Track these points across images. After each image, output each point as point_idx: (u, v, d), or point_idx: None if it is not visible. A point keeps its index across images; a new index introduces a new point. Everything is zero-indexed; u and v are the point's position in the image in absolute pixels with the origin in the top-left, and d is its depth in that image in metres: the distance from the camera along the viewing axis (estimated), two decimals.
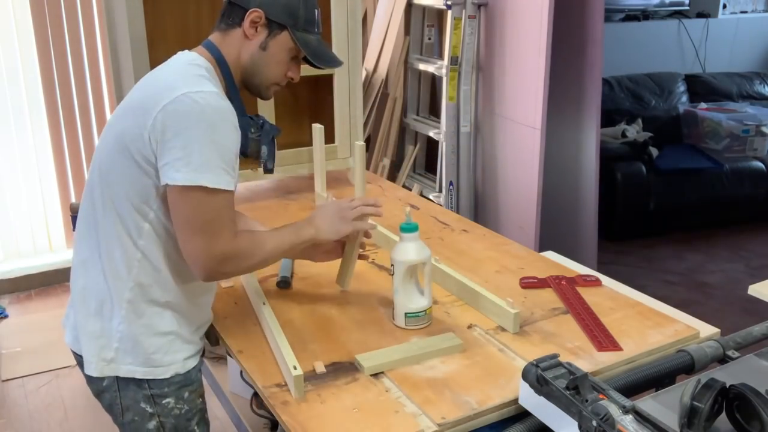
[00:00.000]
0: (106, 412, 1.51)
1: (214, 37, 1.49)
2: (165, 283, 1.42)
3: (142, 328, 1.41)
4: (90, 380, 1.48)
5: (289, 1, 1.46)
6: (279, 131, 1.61)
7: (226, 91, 1.46)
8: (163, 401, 1.45)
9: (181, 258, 1.40)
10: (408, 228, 1.59)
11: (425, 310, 1.60)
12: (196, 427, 1.51)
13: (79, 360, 1.50)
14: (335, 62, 1.56)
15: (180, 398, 1.46)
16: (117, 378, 1.43)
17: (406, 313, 1.58)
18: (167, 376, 1.43)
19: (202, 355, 1.57)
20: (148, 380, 1.43)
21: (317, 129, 2.29)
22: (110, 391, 1.45)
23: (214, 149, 1.30)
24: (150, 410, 1.44)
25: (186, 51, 1.48)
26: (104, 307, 1.41)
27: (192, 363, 1.49)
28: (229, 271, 1.42)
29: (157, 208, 1.37)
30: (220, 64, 1.46)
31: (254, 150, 1.55)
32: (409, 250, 1.58)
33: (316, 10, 1.50)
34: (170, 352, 1.44)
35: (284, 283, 1.81)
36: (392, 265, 1.59)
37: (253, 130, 1.54)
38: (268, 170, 1.60)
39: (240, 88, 1.51)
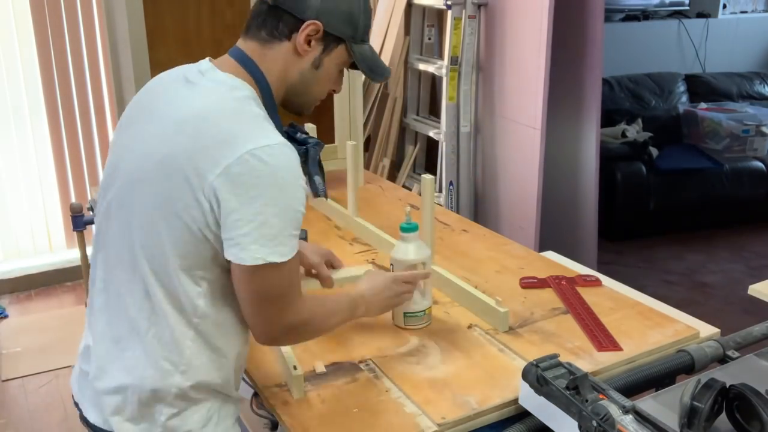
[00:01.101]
0: None
1: (250, 49, 1.24)
2: (221, 361, 1.24)
3: (195, 416, 1.23)
4: None
5: (350, 7, 1.25)
6: (322, 146, 1.47)
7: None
8: None
9: (239, 323, 1.25)
10: (408, 228, 1.58)
11: (424, 310, 1.60)
12: None
13: None
14: (387, 72, 1.37)
15: None
16: None
17: (405, 313, 1.58)
18: None
19: None
20: None
21: (309, 129, 2.29)
22: None
23: (285, 217, 1.13)
24: None
25: (215, 66, 1.23)
26: (149, 401, 1.21)
27: None
28: (290, 341, 1.33)
29: (212, 276, 1.19)
30: (260, 84, 1.24)
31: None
32: (409, 250, 1.58)
33: (372, 16, 1.34)
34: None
35: None
36: (391, 264, 1.59)
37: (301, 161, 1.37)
38: (321, 195, 1.49)
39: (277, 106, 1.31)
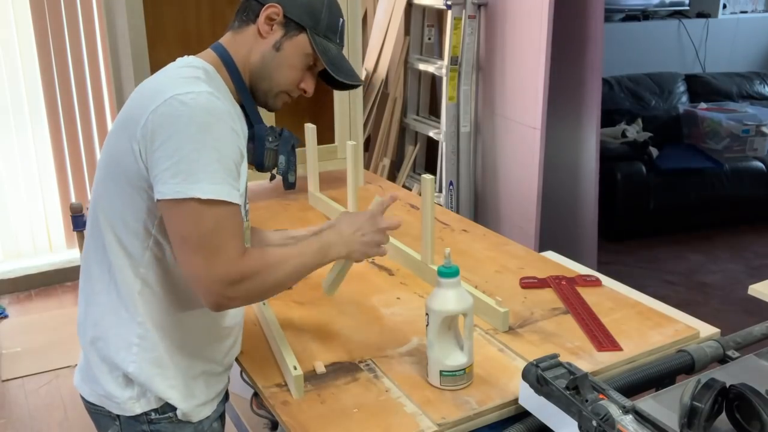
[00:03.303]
0: None
1: (225, 38, 1.36)
2: (167, 312, 1.29)
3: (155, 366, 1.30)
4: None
5: (311, 1, 1.33)
6: (298, 140, 1.46)
7: (235, 95, 1.34)
8: None
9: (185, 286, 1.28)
10: (448, 272, 1.35)
11: (464, 368, 1.37)
12: None
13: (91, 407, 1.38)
14: (355, 78, 1.39)
15: None
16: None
17: (441, 371, 1.36)
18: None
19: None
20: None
21: (309, 129, 2.29)
22: None
23: (207, 155, 1.15)
24: None
25: (186, 56, 1.35)
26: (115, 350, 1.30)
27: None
28: (239, 296, 1.21)
29: (157, 232, 1.24)
30: (227, 64, 1.33)
31: (272, 161, 1.40)
32: (449, 299, 1.35)
33: (340, 20, 1.36)
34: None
35: None
36: (427, 314, 1.37)
37: (270, 139, 1.39)
38: (290, 184, 1.45)
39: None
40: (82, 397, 1.38)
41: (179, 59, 1.34)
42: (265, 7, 1.31)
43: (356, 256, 1.41)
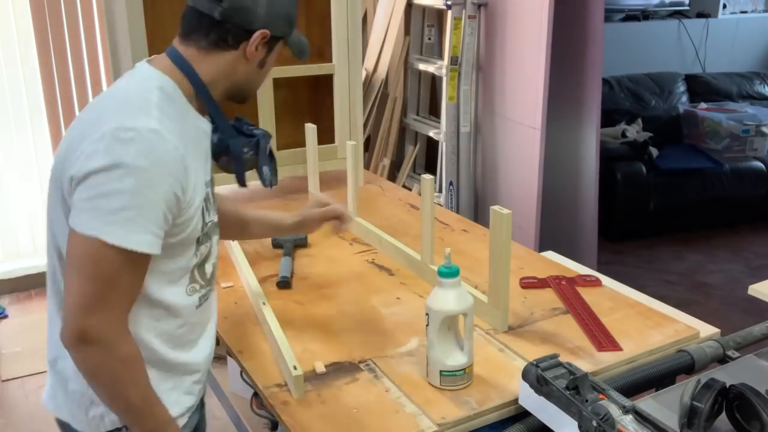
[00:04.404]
0: None
1: (188, 53, 1.26)
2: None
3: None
4: None
5: (288, 9, 1.30)
6: (269, 137, 1.43)
7: (200, 110, 1.28)
8: None
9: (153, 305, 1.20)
10: (448, 272, 1.36)
11: (464, 368, 1.38)
12: None
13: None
14: (308, 48, 1.40)
15: None
16: None
17: (441, 371, 1.37)
18: None
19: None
20: None
21: (309, 129, 2.29)
22: None
23: (133, 200, 1.08)
24: None
25: (149, 65, 1.25)
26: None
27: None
28: (81, 356, 1.11)
29: None
30: (195, 83, 1.25)
31: (252, 168, 1.39)
32: (449, 299, 1.36)
33: (295, 8, 1.35)
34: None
35: (284, 283, 1.81)
36: (427, 314, 1.38)
37: (246, 150, 1.36)
38: (271, 186, 1.43)
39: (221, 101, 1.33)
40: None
41: (144, 68, 1.25)
42: (255, 36, 1.25)
43: None
